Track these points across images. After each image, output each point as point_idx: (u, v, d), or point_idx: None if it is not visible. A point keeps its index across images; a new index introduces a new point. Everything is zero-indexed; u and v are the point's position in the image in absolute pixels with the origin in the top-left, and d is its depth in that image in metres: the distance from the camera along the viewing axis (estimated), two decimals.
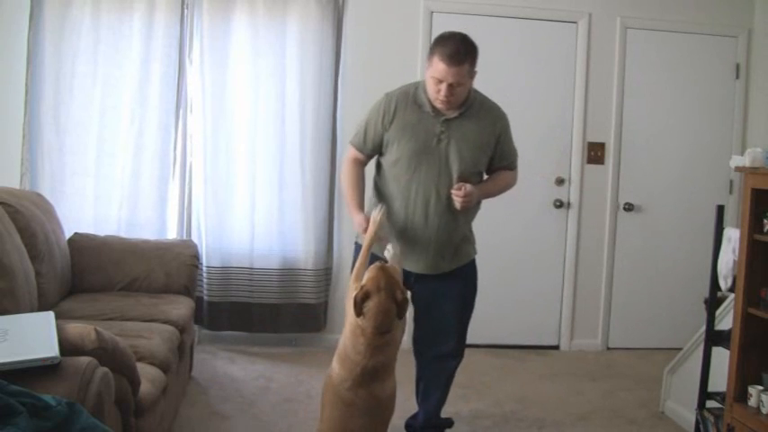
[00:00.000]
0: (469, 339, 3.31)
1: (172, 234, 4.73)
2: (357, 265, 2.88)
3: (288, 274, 4.78)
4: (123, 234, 4.46)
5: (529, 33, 4.99)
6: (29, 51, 4.45)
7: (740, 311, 3.06)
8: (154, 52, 4.57)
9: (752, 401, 3.04)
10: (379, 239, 2.95)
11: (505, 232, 5.01)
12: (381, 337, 2.57)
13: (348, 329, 2.64)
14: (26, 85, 4.47)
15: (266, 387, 4.07)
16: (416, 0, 4.85)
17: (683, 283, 5.06)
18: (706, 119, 5.17)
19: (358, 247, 3.23)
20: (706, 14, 5.10)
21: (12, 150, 4.50)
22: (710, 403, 3.41)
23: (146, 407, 2.61)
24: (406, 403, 3.27)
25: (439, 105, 2.97)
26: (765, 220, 3.00)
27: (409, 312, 2.89)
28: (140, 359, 2.80)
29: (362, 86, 4.58)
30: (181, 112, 4.69)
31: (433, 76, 2.91)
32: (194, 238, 4.66)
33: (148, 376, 2.73)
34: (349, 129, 3.24)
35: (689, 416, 3.65)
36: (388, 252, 2.89)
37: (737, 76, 5.16)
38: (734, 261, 3.23)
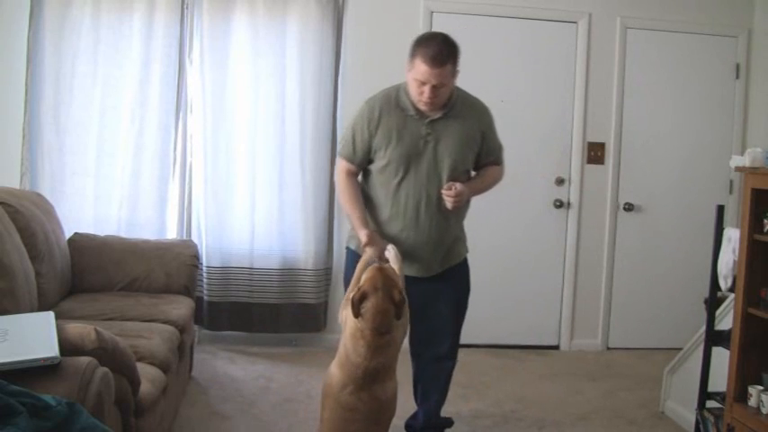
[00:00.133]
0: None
1: (172, 234, 4.73)
2: (351, 285, 2.84)
3: (288, 274, 4.78)
4: (123, 234, 4.46)
5: (529, 33, 4.99)
6: (29, 51, 4.45)
7: (740, 311, 3.06)
8: (154, 52, 4.57)
9: (752, 401, 3.03)
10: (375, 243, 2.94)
11: (505, 232, 5.01)
12: (381, 338, 2.56)
13: (348, 333, 2.63)
14: (26, 85, 4.47)
15: (266, 387, 4.07)
16: (416, 0, 4.85)
17: (683, 283, 5.06)
18: (706, 119, 5.17)
19: (349, 251, 3.24)
20: (706, 14, 5.10)
21: (12, 150, 4.50)
22: (710, 403, 3.41)
23: (146, 407, 2.61)
24: (405, 404, 3.27)
25: (422, 107, 2.95)
26: (765, 220, 3.00)
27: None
28: (140, 359, 2.80)
29: (362, 86, 4.54)
30: (181, 112, 4.69)
31: (415, 78, 2.89)
32: (194, 238, 4.66)
33: (148, 376, 2.73)
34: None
35: (689, 416, 3.65)
36: (389, 252, 2.88)
37: (737, 76, 5.16)
38: (734, 261, 3.23)
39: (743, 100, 5.16)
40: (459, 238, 3.21)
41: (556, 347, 5.15)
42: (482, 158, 3.14)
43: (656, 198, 5.17)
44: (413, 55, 2.90)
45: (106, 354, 2.26)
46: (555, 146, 5.07)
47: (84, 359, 2.13)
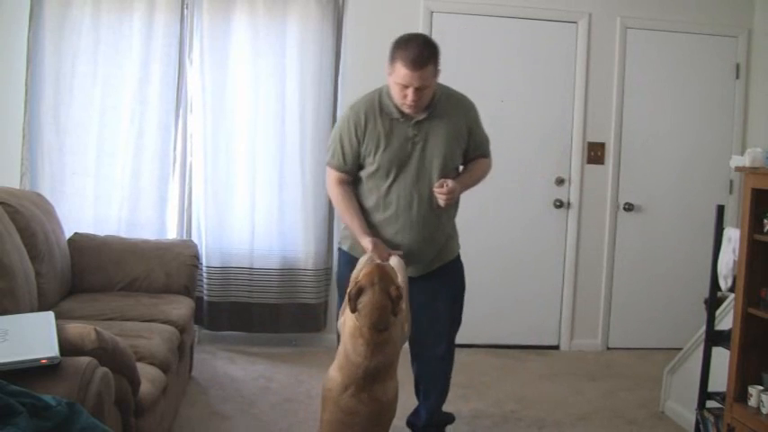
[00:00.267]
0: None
1: (172, 234, 4.73)
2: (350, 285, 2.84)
3: (288, 274, 4.78)
4: (123, 234, 4.45)
5: (529, 33, 4.99)
6: (29, 51, 4.45)
7: (740, 311, 3.06)
8: (154, 52, 4.57)
9: (752, 401, 3.03)
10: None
11: (505, 232, 5.01)
12: (380, 336, 2.56)
13: (347, 333, 2.64)
14: (26, 84, 4.47)
15: (266, 387, 4.07)
16: (416, 0, 4.85)
17: (683, 283, 5.06)
18: (706, 119, 5.17)
19: (342, 252, 3.24)
20: (706, 14, 5.10)
21: (12, 150, 4.50)
22: (710, 403, 3.41)
23: (146, 407, 2.61)
24: (406, 402, 3.27)
25: (407, 110, 2.93)
26: (765, 220, 3.00)
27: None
28: (140, 359, 2.80)
29: (362, 86, 4.54)
30: (181, 112, 4.69)
31: (397, 82, 2.86)
32: (194, 238, 4.66)
33: (148, 376, 2.73)
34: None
35: (689, 416, 3.65)
36: (393, 260, 2.86)
37: (737, 76, 5.16)
38: (734, 261, 3.23)
39: (743, 100, 5.16)
40: (452, 236, 3.22)
41: (556, 347, 5.15)
42: (470, 153, 3.14)
43: (656, 198, 5.17)
44: (393, 59, 2.86)
45: (106, 354, 2.26)
46: (555, 146, 5.06)
47: (84, 359, 2.13)
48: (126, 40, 4.56)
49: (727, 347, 3.19)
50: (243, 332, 4.81)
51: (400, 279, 2.76)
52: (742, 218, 3.10)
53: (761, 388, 3.01)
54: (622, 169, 5.12)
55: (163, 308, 3.60)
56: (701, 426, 3.43)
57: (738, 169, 3.23)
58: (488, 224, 4.91)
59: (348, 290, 2.62)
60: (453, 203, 3.11)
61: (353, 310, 2.57)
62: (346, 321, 2.66)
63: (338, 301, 3.25)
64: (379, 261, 2.76)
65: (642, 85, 5.09)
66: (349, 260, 3.13)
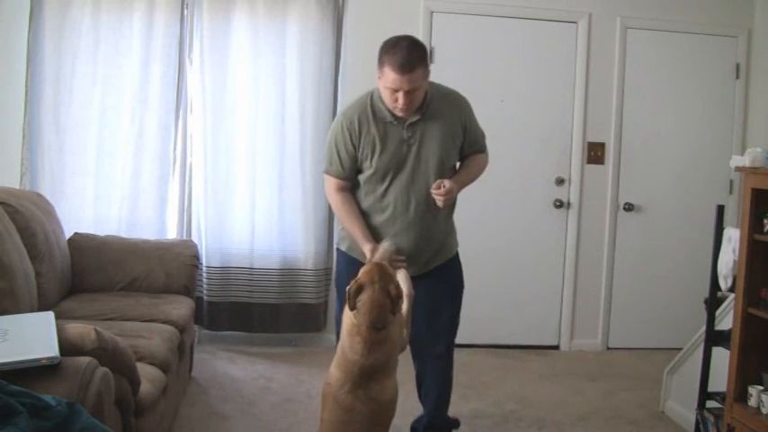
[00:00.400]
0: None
1: (172, 234, 4.73)
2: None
3: (288, 274, 4.78)
4: (123, 234, 4.46)
5: (529, 33, 4.99)
6: (29, 51, 4.45)
7: (740, 311, 3.06)
8: (154, 52, 4.57)
9: (752, 401, 3.03)
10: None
11: (505, 232, 5.01)
12: (377, 334, 2.56)
13: (345, 331, 2.65)
14: (26, 85, 4.47)
15: (266, 387, 4.07)
16: (416, 0, 4.85)
17: (683, 283, 5.06)
18: (706, 119, 5.17)
19: (340, 253, 3.23)
20: (706, 14, 5.10)
21: (12, 150, 4.50)
22: (710, 403, 3.41)
23: (146, 407, 2.61)
24: (406, 403, 3.27)
25: (399, 113, 2.91)
26: (765, 220, 3.00)
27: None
28: (140, 359, 2.80)
29: (362, 86, 4.53)
30: (181, 112, 4.69)
31: (387, 86, 2.84)
32: (194, 238, 4.66)
33: (148, 376, 2.73)
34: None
35: (689, 416, 3.65)
36: (399, 274, 2.86)
37: (737, 76, 5.16)
38: (734, 261, 3.23)
39: (743, 100, 5.16)
40: (450, 233, 3.21)
41: (556, 347, 5.15)
42: (466, 149, 3.11)
43: (656, 198, 5.17)
44: (381, 63, 2.84)
45: (106, 354, 2.26)
46: (555, 146, 5.06)
47: (84, 359, 2.13)
48: (126, 40, 4.56)
49: (727, 347, 3.19)
50: (243, 332, 4.81)
51: (405, 291, 2.77)
52: (742, 218, 3.10)
53: (761, 388, 3.01)
54: (622, 169, 5.12)
55: (163, 308, 3.60)
56: (700, 426, 3.43)
57: (738, 169, 3.23)
58: (488, 224, 4.91)
59: (348, 287, 2.63)
60: (453, 201, 3.10)
61: (352, 308, 2.58)
62: (345, 319, 2.67)
63: (337, 302, 3.25)
64: (377, 260, 2.77)
65: (642, 85, 5.09)
66: (347, 260, 3.13)
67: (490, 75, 4.93)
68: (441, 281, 3.16)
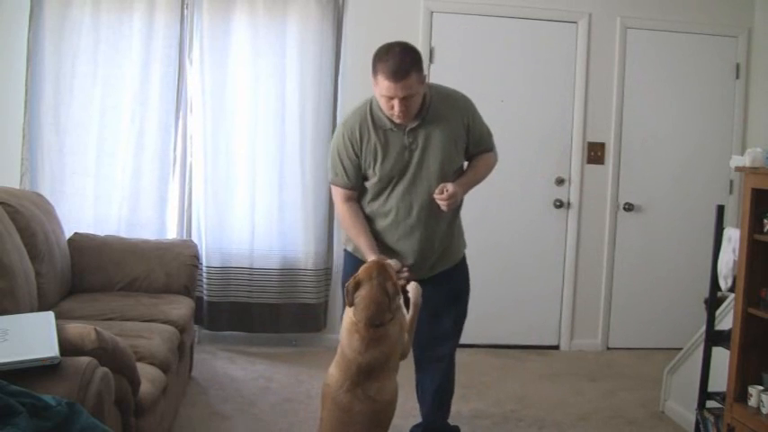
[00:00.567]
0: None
1: (172, 234, 4.73)
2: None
3: (288, 274, 4.78)
4: (123, 234, 4.46)
5: (529, 33, 4.99)
6: (29, 51, 4.45)
7: (740, 311, 3.06)
8: (154, 52, 4.57)
9: (752, 401, 3.03)
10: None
11: (505, 232, 5.02)
12: (375, 331, 2.57)
13: (344, 330, 2.66)
14: (26, 85, 4.47)
15: (266, 387, 4.07)
16: (416, 0, 4.85)
17: (683, 283, 5.06)
18: (706, 119, 5.17)
19: (347, 254, 3.22)
20: (706, 14, 5.10)
21: (12, 150, 4.51)
22: (710, 403, 3.41)
23: (146, 407, 2.61)
24: (405, 404, 3.27)
25: (397, 120, 2.89)
26: (765, 220, 3.00)
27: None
28: (140, 359, 2.80)
29: (362, 86, 4.55)
30: (181, 112, 4.69)
31: (382, 94, 2.82)
32: (194, 238, 4.66)
33: (148, 376, 2.73)
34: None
35: (689, 416, 3.65)
36: (410, 286, 2.85)
37: (737, 76, 5.16)
38: (734, 261, 3.23)
39: (743, 100, 5.16)
40: (456, 237, 3.18)
41: (556, 347, 5.15)
42: (471, 150, 3.07)
43: (656, 198, 5.17)
44: (374, 71, 2.81)
45: (106, 354, 2.26)
46: (555, 146, 5.06)
47: (84, 359, 2.13)
48: (126, 40, 4.56)
49: (727, 347, 3.19)
50: (243, 332, 4.81)
51: (413, 299, 2.77)
52: (742, 218, 3.10)
53: (761, 388, 3.01)
54: (622, 169, 5.12)
55: (163, 308, 3.60)
56: (701, 426, 3.43)
57: (738, 169, 3.23)
58: (488, 224, 4.91)
59: (346, 284, 2.64)
60: (458, 204, 3.07)
61: (350, 304, 2.60)
62: (344, 318, 2.68)
63: (343, 303, 3.25)
64: (377, 259, 2.78)
65: (642, 85, 5.09)
66: (353, 262, 3.11)
67: (490, 75, 4.93)
68: (445, 285, 3.14)
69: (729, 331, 3.20)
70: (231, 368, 4.37)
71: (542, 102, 5.03)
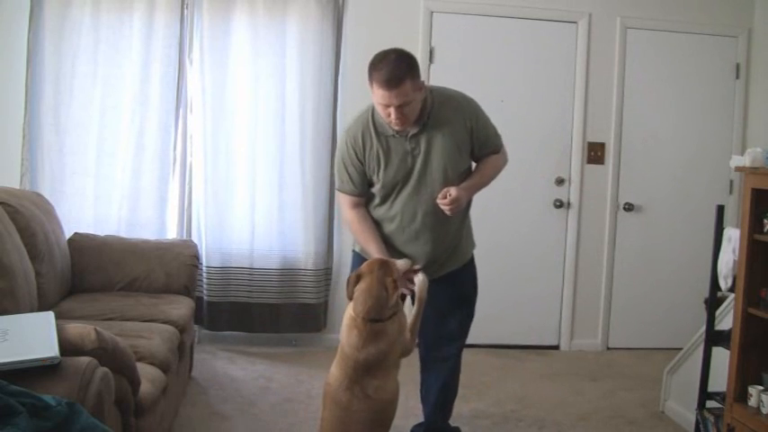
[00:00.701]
0: (470, 339, 3.30)
1: (172, 234, 4.73)
2: None
3: (288, 274, 4.78)
4: (123, 234, 4.46)
5: (529, 33, 4.99)
6: (29, 51, 4.45)
7: (740, 311, 3.06)
8: (154, 52, 4.57)
9: (752, 401, 3.03)
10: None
11: (505, 232, 5.01)
12: (373, 327, 2.59)
13: (344, 327, 2.69)
14: (26, 85, 4.47)
15: (266, 387, 4.07)
16: (416, 0, 4.85)
17: (683, 283, 5.06)
18: (706, 119, 5.17)
19: (355, 254, 3.22)
20: (706, 14, 5.10)
21: (12, 150, 4.51)
22: (710, 403, 3.41)
23: (146, 407, 2.61)
24: (407, 403, 3.27)
25: (396, 128, 2.88)
26: (765, 220, 3.00)
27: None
28: (140, 359, 2.80)
29: (362, 86, 4.54)
30: (181, 112, 4.69)
31: (378, 102, 2.82)
32: (194, 238, 4.66)
33: (148, 376, 2.73)
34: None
35: (689, 416, 3.65)
36: (417, 278, 2.85)
37: (737, 76, 5.16)
38: (734, 261, 3.23)
39: (743, 100, 5.16)
40: (464, 239, 3.17)
41: (556, 347, 5.15)
42: (477, 152, 3.04)
43: (656, 198, 5.17)
44: (370, 80, 2.80)
45: (106, 354, 2.26)
46: (555, 146, 5.06)
47: (84, 359, 2.13)
48: (126, 40, 4.56)
49: (727, 347, 3.19)
50: (243, 332, 4.81)
51: (418, 294, 2.78)
52: (742, 218, 3.10)
53: (761, 388, 3.01)
54: (622, 169, 5.12)
55: (163, 308, 3.60)
56: (701, 426, 3.43)
57: (738, 169, 3.23)
58: (488, 224, 4.88)
59: (348, 277, 2.67)
60: (464, 208, 3.05)
61: (350, 297, 2.63)
62: (345, 315, 2.71)
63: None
64: (381, 257, 2.81)
65: (642, 85, 5.09)
66: (361, 262, 3.11)
67: (490, 75, 4.93)
68: (452, 286, 3.14)
69: (729, 331, 3.20)
70: (231, 368, 4.37)
71: (542, 102, 5.03)
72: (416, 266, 2.92)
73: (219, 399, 3.84)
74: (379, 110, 2.86)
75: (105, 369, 2.20)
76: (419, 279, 2.83)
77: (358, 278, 2.64)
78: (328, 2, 4.70)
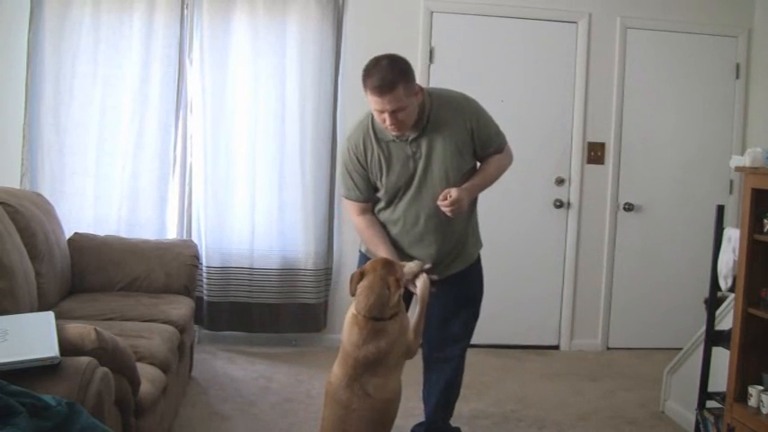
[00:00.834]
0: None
1: (172, 234, 4.73)
2: None
3: (288, 274, 4.78)
4: (123, 234, 4.46)
5: (529, 33, 4.99)
6: (29, 51, 4.45)
7: (740, 311, 3.06)
8: (154, 52, 4.57)
9: (752, 401, 3.03)
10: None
11: (505, 232, 5.01)
12: (374, 325, 2.60)
13: (346, 325, 2.69)
14: (26, 85, 4.47)
15: (266, 387, 4.07)
16: (416, 0, 4.85)
17: (683, 283, 5.06)
18: (706, 119, 5.17)
19: (362, 255, 3.22)
20: (706, 14, 5.10)
21: (12, 150, 4.51)
22: (710, 403, 3.41)
23: (146, 407, 2.61)
24: (407, 403, 3.27)
25: (393, 133, 2.88)
26: (765, 220, 3.00)
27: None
28: (140, 359, 2.80)
29: (362, 87, 4.58)
30: (181, 112, 4.69)
31: (372, 108, 2.83)
32: (194, 238, 4.66)
33: (148, 376, 2.73)
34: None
35: (689, 416, 3.65)
36: (419, 280, 2.86)
37: (737, 76, 5.16)
38: (734, 261, 3.23)
39: (743, 100, 5.16)
40: (470, 237, 3.16)
41: (556, 347, 5.15)
42: (479, 152, 3.03)
43: (656, 198, 5.17)
44: (363, 86, 2.81)
45: (106, 354, 2.26)
46: (555, 146, 5.06)
47: (84, 359, 2.13)
48: (126, 40, 4.56)
49: (727, 347, 3.19)
50: (243, 332, 4.81)
51: (419, 294, 2.79)
52: (742, 218, 3.10)
53: (761, 388, 3.01)
54: (622, 169, 5.12)
55: (163, 308, 3.60)
56: (701, 426, 3.43)
57: (738, 169, 3.23)
58: (488, 224, 4.82)
59: (352, 273, 2.68)
60: (469, 207, 3.04)
61: (353, 293, 2.64)
62: (347, 313, 2.71)
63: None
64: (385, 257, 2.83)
65: (642, 85, 5.09)
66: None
67: (490, 75, 4.93)
68: (458, 287, 3.13)
69: (729, 331, 3.20)
70: (231, 368, 4.37)
71: (542, 102, 5.03)
72: (426, 266, 2.92)
73: (219, 399, 3.84)
74: (376, 116, 2.86)
75: (105, 369, 2.20)
76: (421, 281, 2.84)
77: (361, 275, 2.65)
78: (328, 2, 4.70)
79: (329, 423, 2.66)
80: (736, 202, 4.94)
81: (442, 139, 2.92)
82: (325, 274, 4.84)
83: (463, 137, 2.96)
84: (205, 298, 4.70)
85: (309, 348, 4.83)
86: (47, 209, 3.80)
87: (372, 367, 2.61)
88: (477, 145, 3.01)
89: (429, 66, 4.83)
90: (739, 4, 5.14)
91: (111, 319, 3.33)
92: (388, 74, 2.74)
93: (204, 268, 4.68)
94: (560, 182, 5.08)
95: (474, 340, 3.53)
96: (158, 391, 2.79)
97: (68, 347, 2.17)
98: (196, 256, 4.21)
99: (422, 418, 3.32)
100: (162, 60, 4.58)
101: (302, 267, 4.79)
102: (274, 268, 4.77)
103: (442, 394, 3.22)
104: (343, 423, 2.62)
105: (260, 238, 4.76)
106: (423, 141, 2.93)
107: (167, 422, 3.15)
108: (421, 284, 2.82)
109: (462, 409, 3.78)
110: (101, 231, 4.33)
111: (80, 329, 2.27)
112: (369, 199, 3.05)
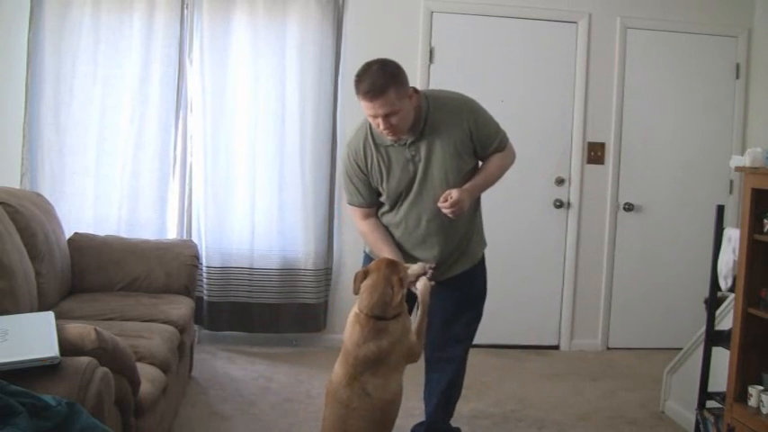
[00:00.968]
0: None
1: (172, 234, 4.73)
2: None
3: (288, 274, 4.78)
4: (123, 234, 4.46)
5: (529, 33, 4.99)
6: (29, 51, 4.45)
7: (740, 311, 3.06)
8: (154, 52, 4.57)
9: (752, 401, 3.03)
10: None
11: (505, 232, 4.99)
12: (376, 324, 2.60)
13: (347, 324, 2.70)
14: (26, 85, 4.47)
15: (266, 387, 4.07)
16: (416, 0, 4.85)
17: (683, 283, 5.06)
18: (706, 119, 5.17)
19: (366, 256, 3.22)
20: (706, 14, 5.10)
21: (12, 150, 4.51)
22: (710, 403, 3.41)
23: (146, 407, 2.61)
24: (407, 403, 3.26)
25: (388, 138, 2.88)
26: (765, 220, 3.00)
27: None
28: (140, 359, 2.80)
29: (355, 93, 4.57)
30: (181, 112, 4.69)
31: (366, 113, 2.83)
32: (194, 238, 4.66)
33: (148, 376, 2.73)
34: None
35: (689, 416, 3.65)
36: (419, 283, 2.85)
37: (737, 76, 5.16)
38: (734, 261, 3.23)
39: (743, 100, 5.16)
40: (473, 237, 3.17)
41: (556, 347, 5.15)
42: (480, 152, 3.02)
43: (656, 198, 5.17)
44: (356, 92, 2.80)
45: (106, 354, 2.26)
46: (555, 146, 5.07)
47: (84, 359, 2.13)
48: (126, 40, 4.56)
49: (727, 347, 3.19)
50: (243, 332, 4.81)
51: (420, 297, 2.79)
52: (742, 218, 3.10)
53: (761, 388, 3.01)
54: (622, 169, 5.12)
55: (163, 308, 3.60)
56: (701, 426, 3.43)
57: (738, 169, 3.23)
58: (488, 224, 4.82)
59: (356, 272, 2.69)
60: (471, 207, 3.03)
61: (356, 292, 2.66)
62: (350, 312, 2.72)
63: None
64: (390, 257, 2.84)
65: (642, 85, 5.09)
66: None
67: (490, 75, 4.93)
68: (461, 287, 3.14)
69: (729, 331, 3.20)
70: (231, 368, 4.37)
71: (542, 102, 5.03)
72: (431, 266, 2.91)
73: (219, 399, 3.84)
74: (371, 121, 2.86)
75: (105, 369, 2.20)
76: (421, 283, 2.84)
77: (365, 274, 2.66)
78: (328, 2, 4.70)
79: (330, 422, 2.66)
80: (736, 202, 4.95)
81: (441, 140, 2.91)
82: (325, 274, 4.84)
83: (462, 137, 2.94)
84: (205, 298, 4.70)
85: (309, 348, 4.83)
86: (47, 209, 3.80)
87: (373, 366, 2.61)
88: (477, 145, 2.99)
89: (429, 66, 4.83)
90: (739, 4, 5.14)
91: (111, 319, 3.33)
92: (379, 78, 2.74)
93: (204, 268, 4.68)
94: (560, 182, 5.08)
95: (474, 340, 3.54)
96: (158, 391, 2.79)
97: (68, 347, 2.17)
98: (196, 256, 4.21)
99: (422, 418, 3.32)
100: (162, 60, 4.58)
101: (302, 267, 4.79)
102: (274, 268, 4.77)
103: (443, 394, 3.22)
104: (343, 422, 2.62)
105: (260, 238, 4.77)
106: (421, 144, 2.92)
107: (167, 422, 3.15)
108: (421, 287, 2.82)
109: (462, 409, 3.78)
110: (101, 231, 4.33)
111: (80, 329, 2.27)
112: (372, 204, 3.06)
